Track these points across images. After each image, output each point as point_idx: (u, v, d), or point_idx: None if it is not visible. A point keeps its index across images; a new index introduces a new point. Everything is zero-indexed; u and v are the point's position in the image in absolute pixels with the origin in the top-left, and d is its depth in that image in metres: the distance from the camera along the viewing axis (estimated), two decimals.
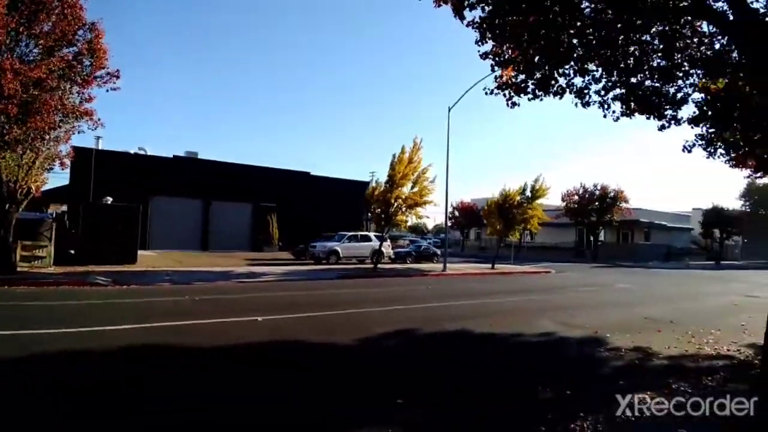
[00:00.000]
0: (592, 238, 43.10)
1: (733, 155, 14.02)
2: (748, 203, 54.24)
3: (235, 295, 12.52)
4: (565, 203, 43.23)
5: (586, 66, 7.06)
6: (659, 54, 6.82)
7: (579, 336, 7.97)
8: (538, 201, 26.68)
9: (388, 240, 27.81)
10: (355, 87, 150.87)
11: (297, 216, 35.02)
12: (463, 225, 56.02)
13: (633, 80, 7.18)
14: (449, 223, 66.82)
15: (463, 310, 10.82)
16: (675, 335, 8.33)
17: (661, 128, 7.59)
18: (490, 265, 25.76)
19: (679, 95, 7.38)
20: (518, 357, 6.72)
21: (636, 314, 10.68)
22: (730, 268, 36.63)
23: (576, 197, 42.33)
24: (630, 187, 77.01)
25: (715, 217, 43.08)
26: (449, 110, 23.52)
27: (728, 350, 7.36)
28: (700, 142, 7.95)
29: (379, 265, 22.14)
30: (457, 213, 55.36)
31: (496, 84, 7.91)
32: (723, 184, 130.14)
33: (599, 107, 7.27)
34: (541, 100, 7.56)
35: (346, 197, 37.27)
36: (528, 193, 26.32)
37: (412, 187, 22.09)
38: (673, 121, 7.45)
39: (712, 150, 8.77)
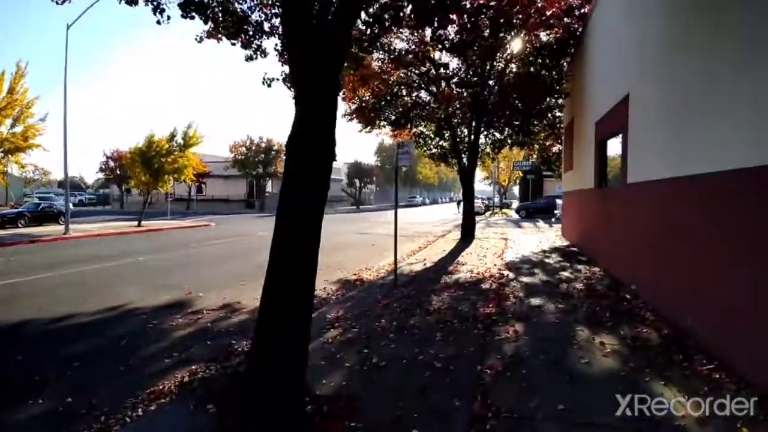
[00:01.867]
0: (258, 190, 44.37)
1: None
2: (379, 158, 68.49)
3: None
4: (233, 155, 42.46)
5: None
6: None
7: (161, 303, 6.62)
8: (193, 149, 24.33)
9: None
10: None
11: None
12: (122, 178, 47.39)
13: None
14: (101, 176, 55.92)
15: (33, 287, 7.78)
16: None
17: (249, 59, 6.75)
18: (137, 223, 21.98)
19: (267, 25, 6.67)
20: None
21: (255, 263, 10.39)
22: (366, 211, 45.44)
23: (243, 149, 42.22)
24: None
25: (355, 169, 52.23)
26: (68, 28, 17.84)
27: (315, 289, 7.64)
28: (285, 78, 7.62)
29: None
30: (112, 163, 46.42)
31: None
32: (365, 143, 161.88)
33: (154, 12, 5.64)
34: None
35: None
36: (179, 140, 23.46)
37: (12, 126, 15.60)
38: (259, 52, 6.69)
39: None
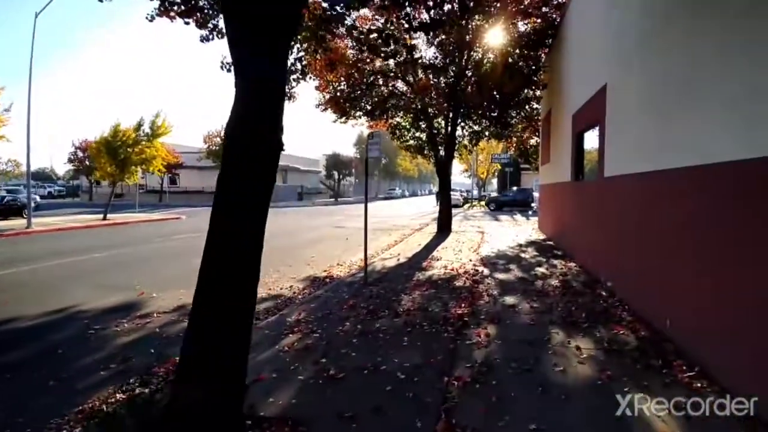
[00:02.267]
0: None
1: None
2: (358, 150, 67.61)
3: None
4: (207, 145, 41.19)
5: None
6: None
7: (109, 305, 6.10)
8: (162, 139, 23.37)
9: None
10: None
11: None
12: (91, 169, 45.72)
13: None
14: (71, 167, 53.75)
15: None
16: None
17: (204, 39, 6.21)
18: (102, 216, 21.03)
19: None
20: None
21: None
22: (344, 203, 44.84)
23: (218, 139, 40.96)
24: None
25: (334, 161, 51.48)
26: (36, 16, 16.88)
27: (281, 288, 7.23)
28: None
29: None
30: (80, 154, 44.83)
31: None
32: (343, 135, 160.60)
33: None
34: None
35: None
36: (147, 129, 22.45)
37: None
38: (215, 32, 6.16)
39: None
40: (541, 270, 8.03)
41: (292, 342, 4.32)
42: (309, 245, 12.49)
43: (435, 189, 71.45)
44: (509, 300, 5.89)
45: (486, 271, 7.90)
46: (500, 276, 7.54)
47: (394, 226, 18.60)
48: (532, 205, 27.70)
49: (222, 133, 40.86)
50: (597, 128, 7.41)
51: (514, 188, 33.28)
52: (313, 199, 45.91)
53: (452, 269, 8.14)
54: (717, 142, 3.48)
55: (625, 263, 5.81)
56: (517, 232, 15.08)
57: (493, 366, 3.70)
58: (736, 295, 3.19)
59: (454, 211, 27.51)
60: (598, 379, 3.44)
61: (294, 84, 9.19)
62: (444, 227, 14.68)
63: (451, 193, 16.57)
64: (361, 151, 65.80)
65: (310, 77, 13.92)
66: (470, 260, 9.11)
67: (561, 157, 10.93)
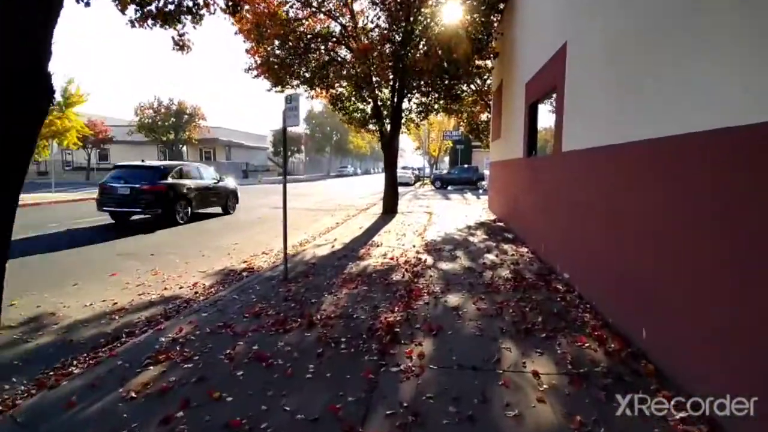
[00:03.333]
0: (171, 158, 39.92)
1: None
2: (308, 126, 64.92)
3: None
4: (138, 118, 37.52)
5: None
6: None
7: None
8: (76, 109, 20.58)
9: None
10: None
11: None
12: None
13: None
14: None
15: None
16: (141, 272, 6.49)
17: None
18: None
19: None
20: None
21: (115, 251, 8.30)
22: (293, 182, 42.77)
23: (151, 111, 37.47)
24: (213, 107, 77.98)
25: (281, 137, 48.90)
26: None
27: (180, 287, 5.88)
28: None
29: None
30: None
31: None
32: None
33: None
34: None
35: None
36: (58, 97, 19.62)
37: None
38: None
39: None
40: (490, 257, 7.14)
41: (148, 380, 3.05)
42: (240, 229, 11.03)
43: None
44: (452, 300, 4.89)
45: (429, 260, 6.91)
46: (445, 266, 6.56)
47: (339, 206, 17.36)
48: (482, 183, 27.29)
49: (155, 105, 37.44)
50: (554, 97, 6.48)
51: (460, 166, 32.79)
52: (260, 177, 43.47)
53: (392, 258, 7.08)
54: (720, 101, 2.52)
55: (584, 252, 4.95)
56: (466, 212, 14.30)
57: (424, 413, 2.64)
58: (733, 301, 2.29)
59: (403, 189, 26.65)
60: (565, 429, 2.47)
61: (191, 24, 7.39)
62: (390, 208, 13.62)
63: (402, 171, 15.51)
64: (312, 127, 63.32)
65: (239, 36, 12.20)
66: (414, 246, 8.10)
67: (513, 131, 10.06)
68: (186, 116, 37.70)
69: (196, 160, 45.45)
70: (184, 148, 42.03)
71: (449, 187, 29.41)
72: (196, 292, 5.64)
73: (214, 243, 9.03)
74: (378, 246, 8.23)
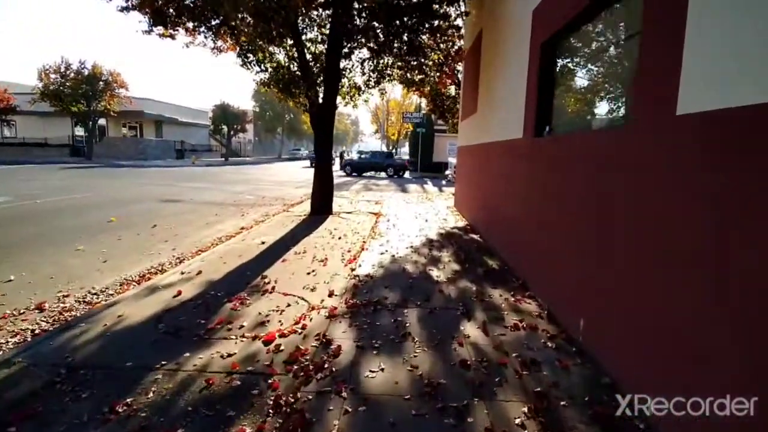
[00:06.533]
0: (86, 133, 33.92)
1: None
2: (257, 104, 59.13)
3: None
4: (42, 83, 31.25)
5: None
6: None
7: None
8: None
9: None
10: None
11: None
12: None
13: None
14: None
15: None
16: None
17: None
18: None
19: None
20: None
21: None
22: (237, 164, 37.77)
23: (57, 76, 31.28)
24: (146, 77, 70.12)
25: (222, 113, 43.38)
26: None
27: None
28: None
29: None
30: None
31: None
32: (240, 88, 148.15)
33: None
34: None
35: None
36: None
37: None
38: None
39: None
40: (472, 337, 3.53)
41: None
42: (98, 231, 6.86)
43: (345, 150, 64.50)
44: None
45: (346, 347, 3.22)
46: (375, 377, 2.89)
47: (263, 200, 13.32)
48: (447, 172, 23.92)
49: (62, 69, 31.32)
50: (615, 7, 2.87)
51: (372, 151, 31.54)
52: (194, 159, 38.20)
53: (269, 337, 3.34)
54: None
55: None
56: (426, 212, 10.71)
57: None
58: None
59: (356, 179, 22.83)
60: None
61: None
62: (319, 207, 9.77)
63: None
64: (261, 105, 57.75)
65: None
66: (330, 295, 4.39)
67: (502, 100, 6.48)
68: (101, 83, 31.78)
69: (118, 136, 39.38)
70: (103, 121, 36.06)
71: (361, 174, 27.36)
72: None
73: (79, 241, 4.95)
74: (264, 293, 4.44)
